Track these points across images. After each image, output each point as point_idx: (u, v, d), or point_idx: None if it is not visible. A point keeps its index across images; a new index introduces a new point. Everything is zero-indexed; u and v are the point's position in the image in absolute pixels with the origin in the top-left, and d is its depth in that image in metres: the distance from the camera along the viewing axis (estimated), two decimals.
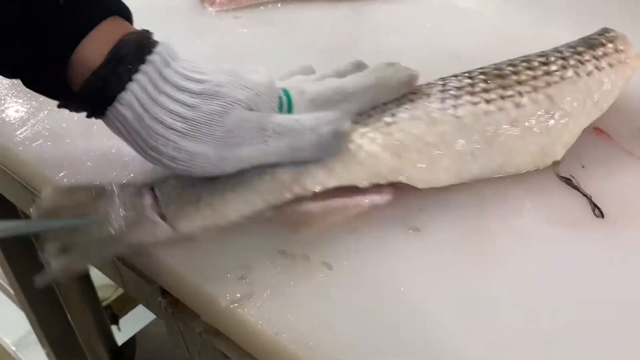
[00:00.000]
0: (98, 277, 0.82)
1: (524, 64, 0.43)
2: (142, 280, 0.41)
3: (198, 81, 0.35)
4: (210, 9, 0.67)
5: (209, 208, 0.37)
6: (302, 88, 0.40)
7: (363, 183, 0.38)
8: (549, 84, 0.42)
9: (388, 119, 0.39)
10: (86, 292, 0.81)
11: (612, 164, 0.44)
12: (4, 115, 0.51)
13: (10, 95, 0.53)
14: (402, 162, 0.38)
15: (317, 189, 0.37)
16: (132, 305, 1.01)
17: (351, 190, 0.38)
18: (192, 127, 0.34)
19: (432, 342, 0.33)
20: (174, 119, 0.34)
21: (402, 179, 0.39)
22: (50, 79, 0.34)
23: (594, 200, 0.40)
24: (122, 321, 0.99)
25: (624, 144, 0.46)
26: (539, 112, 0.41)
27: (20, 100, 0.52)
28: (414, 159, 0.39)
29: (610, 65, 0.45)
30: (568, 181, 0.42)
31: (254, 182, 0.37)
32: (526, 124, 0.41)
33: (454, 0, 0.66)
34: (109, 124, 0.35)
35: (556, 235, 0.39)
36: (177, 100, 0.34)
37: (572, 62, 0.44)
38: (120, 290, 0.98)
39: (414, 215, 0.40)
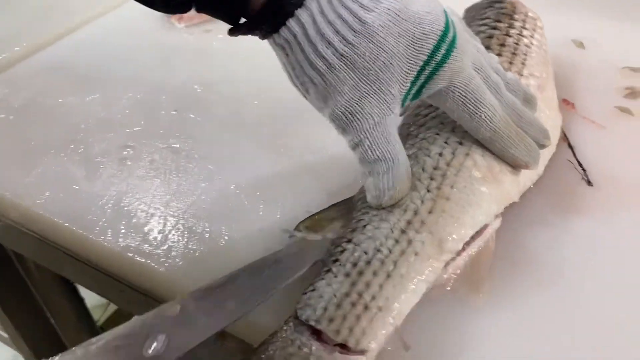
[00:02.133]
0: (88, 299, 0.81)
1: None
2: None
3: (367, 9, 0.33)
4: (179, 25, 0.66)
5: (379, 311, 0.33)
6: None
7: (492, 213, 0.38)
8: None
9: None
10: (82, 319, 0.81)
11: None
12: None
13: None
14: (502, 184, 0.39)
15: (461, 245, 0.36)
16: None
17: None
18: (352, 52, 0.33)
19: None
20: (340, 41, 0.33)
21: (513, 198, 0.39)
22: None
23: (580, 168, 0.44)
24: None
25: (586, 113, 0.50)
26: None
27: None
28: (507, 179, 0.39)
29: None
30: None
31: (402, 268, 0.34)
32: None
33: None
34: (277, 43, 0.34)
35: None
36: (346, 22, 0.33)
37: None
38: (110, 311, 0.97)
39: None
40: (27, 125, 0.54)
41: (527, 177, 0.41)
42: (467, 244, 0.36)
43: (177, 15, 0.67)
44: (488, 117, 0.36)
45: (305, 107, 0.37)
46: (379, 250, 0.34)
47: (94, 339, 0.33)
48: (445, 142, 0.38)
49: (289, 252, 0.38)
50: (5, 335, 0.82)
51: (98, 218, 0.44)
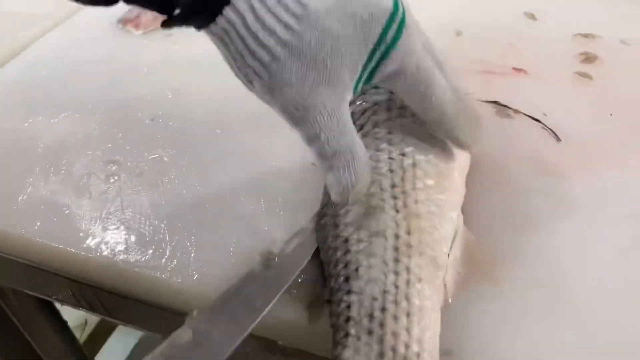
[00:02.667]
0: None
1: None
2: None
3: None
4: (137, 32, 0.65)
5: (418, 358, 0.31)
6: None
7: (455, 219, 0.38)
8: None
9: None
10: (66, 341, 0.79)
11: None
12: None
13: None
14: (453, 184, 0.39)
15: (447, 256, 0.36)
16: (102, 343, 0.98)
17: None
18: (296, 40, 0.31)
19: None
20: (282, 29, 0.31)
21: (462, 192, 0.40)
22: None
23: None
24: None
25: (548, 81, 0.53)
26: None
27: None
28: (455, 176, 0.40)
29: None
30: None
31: (415, 300, 0.32)
32: None
33: None
34: (214, 34, 0.32)
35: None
36: (287, 8, 0.31)
37: None
38: (88, 330, 0.95)
39: None
40: None
41: (464, 166, 0.41)
42: (450, 248, 0.36)
43: (133, 22, 0.65)
44: (439, 98, 0.35)
45: None
46: (386, 292, 0.32)
47: None
48: (390, 158, 0.38)
49: (288, 248, 0.38)
50: None
51: (100, 238, 0.43)
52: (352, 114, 0.37)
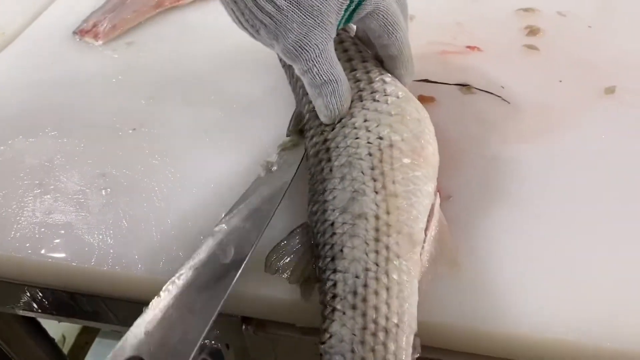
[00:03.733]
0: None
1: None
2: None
3: None
4: (97, 43, 0.65)
5: (398, 327, 0.35)
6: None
7: (432, 192, 0.41)
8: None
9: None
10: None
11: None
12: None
13: None
14: (427, 160, 0.42)
15: (424, 233, 0.39)
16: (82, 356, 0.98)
17: None
18: None
19: None
20: None
21: (437, 164, 0.43)
22: None
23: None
24: None
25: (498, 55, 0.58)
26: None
27: None
28: (429, 150, 0.43)
29: None
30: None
31: (394, 275, 0.36)
32: None
33: None
34: None
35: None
36: None
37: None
38: (70, 342, 0.94)
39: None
40: None
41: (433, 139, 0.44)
42: (426, 229, 0.39)
43: (92, 33, 0.65)
44: (400, 38, 0.44)
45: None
46: (367, 269, 0.36)
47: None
48: (368, 142, 0.41)
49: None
50: None
51: (113, 251, 0.45)
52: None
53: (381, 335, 0.34)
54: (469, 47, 0.60)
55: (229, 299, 0.37)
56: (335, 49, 0.43)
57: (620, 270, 0.40)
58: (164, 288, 0.37)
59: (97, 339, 0.99)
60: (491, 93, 0.53)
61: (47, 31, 0.69)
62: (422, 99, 0.52)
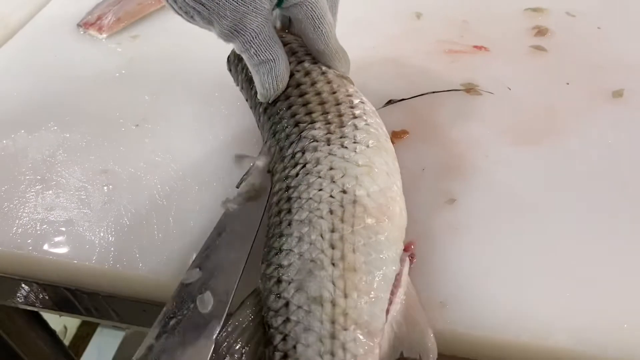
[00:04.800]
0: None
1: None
2: None
3: None
4: (101, 36, 0.64)
5: None
6: None
7: (398, 256, 0.38)
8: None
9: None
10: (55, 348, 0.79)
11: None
12: None
13: None
14: (393, 218, 0.39)
15: (385, 315, 0.36)
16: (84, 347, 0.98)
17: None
18: None
19: None
20: None
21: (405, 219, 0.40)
22: None
23: None
24: None
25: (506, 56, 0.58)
26: None
27: None
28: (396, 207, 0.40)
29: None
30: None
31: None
32: None
33: None
34: None
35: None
36: None
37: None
38: (72, 333, 0.95)
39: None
40: None
41: (401, 196, 0.41)
42: (390, 303, 0.36)
43: (96, 26, 0.65)
44: (326, 32, 0.45)
45: None
46: None
47: None
48: (331, 196, 0.38)
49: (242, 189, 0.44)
50: None
51: (114, 248, 0.44)
52: (294, 155, 0.41)
53: None
54: (475, 46, 0.59)
55: None
56: (297, 71, 0.45)
57: (628, 277, 0.40)
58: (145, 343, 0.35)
59: (98, 329, 1.00)
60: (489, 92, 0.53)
61: (51, 23, 0.69)
62: (395, 135, 0.50)
